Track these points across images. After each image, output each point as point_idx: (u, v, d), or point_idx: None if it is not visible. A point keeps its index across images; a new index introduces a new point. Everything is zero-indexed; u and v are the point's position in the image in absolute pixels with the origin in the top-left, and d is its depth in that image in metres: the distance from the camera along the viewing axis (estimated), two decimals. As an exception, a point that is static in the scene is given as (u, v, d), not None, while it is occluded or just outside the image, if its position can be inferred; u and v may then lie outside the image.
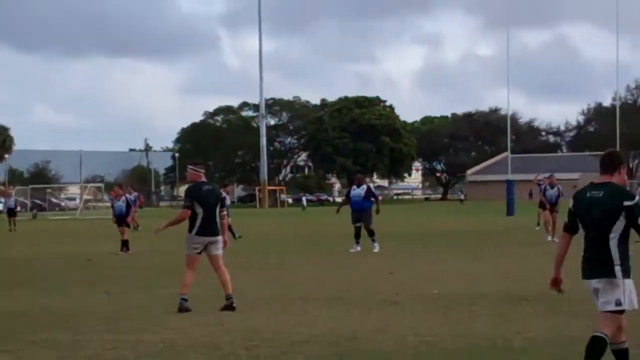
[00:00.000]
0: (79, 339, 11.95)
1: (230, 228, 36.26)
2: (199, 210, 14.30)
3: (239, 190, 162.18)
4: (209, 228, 14.37)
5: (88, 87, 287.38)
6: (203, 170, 14.78)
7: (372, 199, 28.45)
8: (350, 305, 14.89)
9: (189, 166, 14.87)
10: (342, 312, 14.11)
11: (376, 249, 27.49)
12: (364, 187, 28.53)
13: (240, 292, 15.18)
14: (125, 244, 29.35)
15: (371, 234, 28.00)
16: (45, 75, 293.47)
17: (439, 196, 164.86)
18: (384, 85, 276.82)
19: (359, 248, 27.69)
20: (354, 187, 28.60)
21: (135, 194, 31.55)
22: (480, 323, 12.73)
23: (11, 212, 55.09)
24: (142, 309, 14.79)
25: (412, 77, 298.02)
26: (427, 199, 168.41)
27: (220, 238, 14.57)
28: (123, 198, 30.12)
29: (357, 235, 27.97)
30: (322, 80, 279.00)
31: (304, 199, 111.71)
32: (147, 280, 19.72)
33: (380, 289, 17.19)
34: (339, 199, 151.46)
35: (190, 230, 14.34)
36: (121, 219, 29.84)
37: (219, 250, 14.53)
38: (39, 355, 10.92)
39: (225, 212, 14.95)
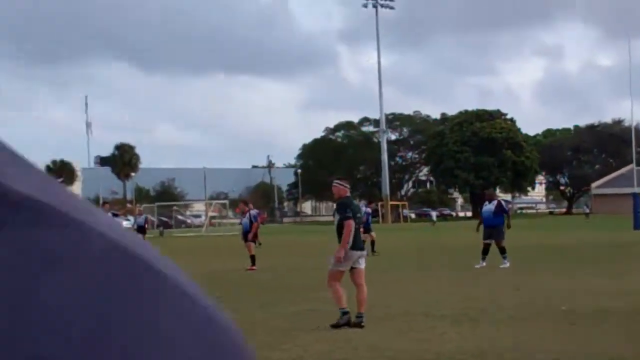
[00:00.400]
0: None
1: (372, 243, 36.59)
2: (353, 225, 14.40)
3: (361, 206, 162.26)
4: (359, 242, 14.47)
5: (209, 105, 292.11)
6: (349, 186, 14.95)
7: (504, 214, 28.11)
8: (476, 321, 14.75)
9: (337, 182, 14.93)
10: (468, 328, 13.99)
11: (506, 265, 27.06)
12: (495, 202, 28.20)
13: (368, 307, 15.16)
14: (251, 260, 29.56)
15: (502, 251, 27.62)
16: (168, 93, 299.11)
17: (563, 210, 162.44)
18: (504, 98, 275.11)
19: (484, 264, 27.37)
20: (486, 203, 28.37)
21: (256, 210, 31.82)
22: (611, 341, 12.48)
23: (141, 230, 56.20)
24: (268, 325, 14.88)
25: (533, 89, 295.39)
26: (551, 212, 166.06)
27: (365, 252, 14.68)
28: (247, 215, 30.43)
29: (485, 252, 27.69)
30: (441, 94, 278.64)
31: (433, 213, 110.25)
32: (272, 296, 19.79)
33: (507, 305, 17.00)
34: (462, 214, 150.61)
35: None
36: (246, 235, 30.15)
37: (363, 265, 14.63)
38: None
39: (362, 228, 15.03)
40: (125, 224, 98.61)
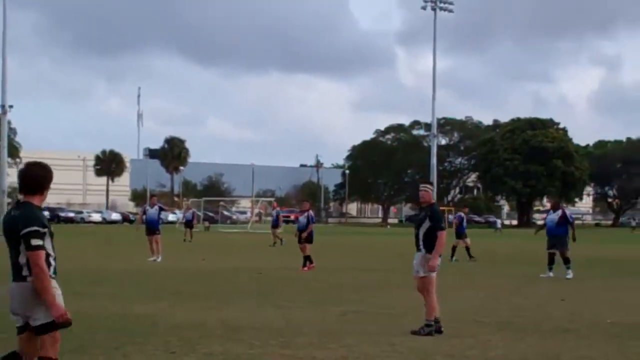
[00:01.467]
0: (253, 352, 12.16)
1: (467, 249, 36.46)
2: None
3: (406, 209, 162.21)
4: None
5: (263, 102, 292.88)
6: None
7: (567, 224, 27.50)
8: (522, 330, 14.72)
9: (426, 186, 14.68)
10: (513, 337, 13.96)
11: (569, 276, 26.56)
12: (559, 212, 27.68)
13: (413, 310, 15.16)
14: (308, 259, 29.48)
15: (566, 261, 27.14)
16: (222, 88, 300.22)
17: (610, 222, 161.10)
18: (558, 106, 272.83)
19: (551, 274, 27.07)
20: (550, 211, 28.07)
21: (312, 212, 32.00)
22: (657, 355, 12.42)
23: (188, 224, 56.68)
24: (315, 325, 14.94)
25: (588, 98, 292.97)
26: (597, 224, 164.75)
27: None
28: (306, 214, 30.26)
29: (551, 262, 27.40)
30: (495, 99, 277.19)
31: (498, 222, 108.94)
32: (320, 296, 19.82)
33: (553, 315, 16.95)
34: (507, 222, 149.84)
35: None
36: (301, 234, 29.98)
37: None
38: (216, 366, 11.14)
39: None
40: (171, 217, 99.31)
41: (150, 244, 33.25)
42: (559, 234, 27.26)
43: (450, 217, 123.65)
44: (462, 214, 38.32)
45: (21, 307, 7.74)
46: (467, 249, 36.63)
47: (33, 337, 7.82)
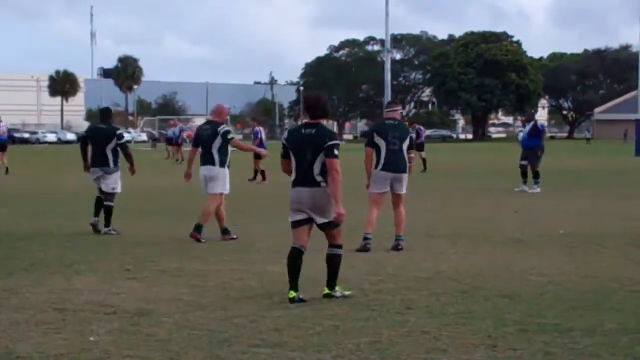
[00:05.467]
0: (207, 268, 12.20)
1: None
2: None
3: (361, 125, 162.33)
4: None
5: (218, 18, 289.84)
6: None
7: (540, 135, 26.96)
8: (474, 242, 14.85)
9: (395, 106, 15.00)
10: (465, 249, 14.08)
11: (535, 190, 26.16)
12: (531, 124, 27.26)
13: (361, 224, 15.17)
14: (261, 174, 31.23)
15: (535, 175, 26.65)
16: (178, 4, 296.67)
17: (565, 134, 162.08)
18: (515, 19, 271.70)
19: (525, 187, 26.70)
20: (525, 124, 27.67)
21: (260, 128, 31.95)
22: (606, 264, 12.58)
23: (170, 141, 54.10)
24: (268, 241, 14.98)
25: (546, 11, 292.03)
26: (552, 137, 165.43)
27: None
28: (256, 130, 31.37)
29: (523, 174, 27.01)
30: (452, 13, 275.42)
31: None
32: (277, 213, 19.78)
33: (505, 227, 17.11)
34: (462, 136, 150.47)
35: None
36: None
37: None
38: (169, 283, 11.18)
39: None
40: (127, 136, 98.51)
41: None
42: (531, 146, 26.77)
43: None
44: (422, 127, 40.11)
45: (312, 207, 9.80)
46: (424, 160, 37.95)
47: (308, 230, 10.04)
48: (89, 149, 16.81)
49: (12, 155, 41.70)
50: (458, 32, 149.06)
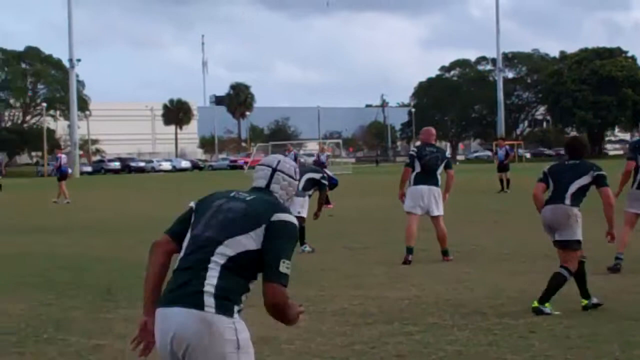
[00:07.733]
0: (324, 294, 12.11)
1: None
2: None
3: (474, 145, 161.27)
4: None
5: (329, 44, 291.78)
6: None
7: None
8: (600, 266, 14.45)
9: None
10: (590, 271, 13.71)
11: None
12: None
13: (483, 248, 14.99)
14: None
15: None
16: (289, 31, 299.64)
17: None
18: (632, 34, 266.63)
19: None
20: None
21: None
22: None
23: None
24: (384, 265, 14.82)
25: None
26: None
27: None
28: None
29: None
30: (565, 30, 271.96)
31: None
32: (388, 236, 19.60)
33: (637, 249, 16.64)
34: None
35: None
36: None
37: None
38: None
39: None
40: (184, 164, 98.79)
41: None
42: None
43: (520, 151, 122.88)
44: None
45: (557, 224, 10.37)
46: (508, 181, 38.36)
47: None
48: None
49: (129, 183, 42.25)
50: (569, 48, 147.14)
